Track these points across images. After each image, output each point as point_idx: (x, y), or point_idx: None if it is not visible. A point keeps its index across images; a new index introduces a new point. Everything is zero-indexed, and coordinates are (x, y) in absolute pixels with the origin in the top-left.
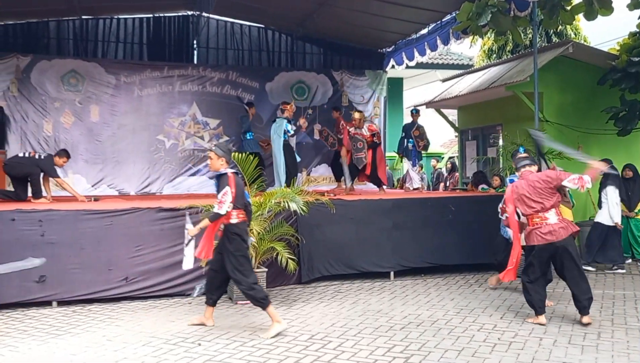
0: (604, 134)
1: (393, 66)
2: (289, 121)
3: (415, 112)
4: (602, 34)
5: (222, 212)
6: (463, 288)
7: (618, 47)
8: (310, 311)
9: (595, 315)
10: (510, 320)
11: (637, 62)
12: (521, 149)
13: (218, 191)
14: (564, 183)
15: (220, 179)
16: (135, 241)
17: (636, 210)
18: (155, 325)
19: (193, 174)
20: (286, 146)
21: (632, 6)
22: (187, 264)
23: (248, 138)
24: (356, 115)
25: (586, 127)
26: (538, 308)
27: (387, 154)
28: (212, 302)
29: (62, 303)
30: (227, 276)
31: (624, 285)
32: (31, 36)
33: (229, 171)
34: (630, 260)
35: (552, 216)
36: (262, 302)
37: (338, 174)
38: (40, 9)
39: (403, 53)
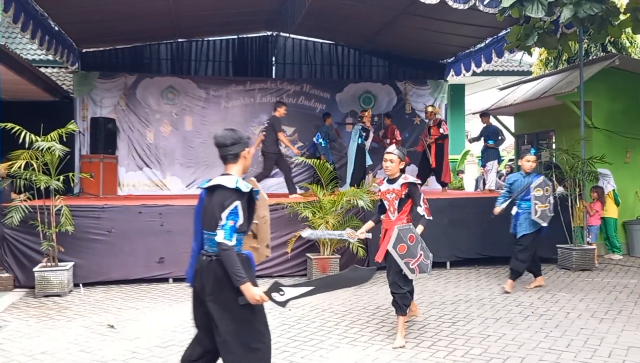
0: None
1: (452, 75)
2: (363, 129)
3: (484, 116)
4: None
5: (430, 218)
6: None
7: None
8: (377, 290)
9: (623, 297)
10: (546, 300)
11: None
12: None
13: (412, 197)
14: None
15: (414, 188)
16: None
17: None
18: None
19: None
20: (359, 150)
21: None
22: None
23: (323, 144)
24: (429, 108)
25: (635, 133)
26: None
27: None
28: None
29: (176, 280)
30: None
31: None
32: (136, 58)
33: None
34: None
35: None
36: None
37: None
38: (144, 35)
39: (462, 64)
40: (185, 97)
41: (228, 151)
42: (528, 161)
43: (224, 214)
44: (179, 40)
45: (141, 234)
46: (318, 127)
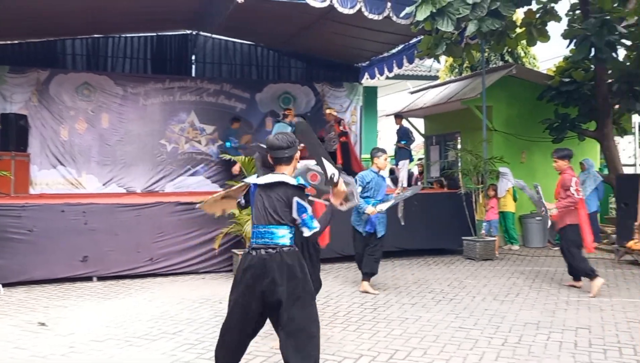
0: (545, 142)
1: (367, 78)
2: (291, 125)
3: (397, 117)
4: (554, 46)
5: None
6: (423, 266)
7: (554, 69)
8: None
9: (520, 282)
10: (454, 287)
11: (568, 83)
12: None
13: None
14: None
15: None
16: (158, 229)
17: None
18: (181, 292)
19: (192, 175)
20: None
21: (565, 35)
22: None
23: (227, 146)
24: (327, 111)
25: (529, 135)
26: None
27: (363, 156)
28: None
29: (100, 278)
30: None
31: (551, 263)
32: (50, 53)
33: None
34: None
35: None
36: None
37: None
38: (58, 30)
39: (375, 68)
40: (102, 94)
41: (284, 154)
42: (386, 160)
43: (295, 214)
44: (95, 35)
45: (64, 233)
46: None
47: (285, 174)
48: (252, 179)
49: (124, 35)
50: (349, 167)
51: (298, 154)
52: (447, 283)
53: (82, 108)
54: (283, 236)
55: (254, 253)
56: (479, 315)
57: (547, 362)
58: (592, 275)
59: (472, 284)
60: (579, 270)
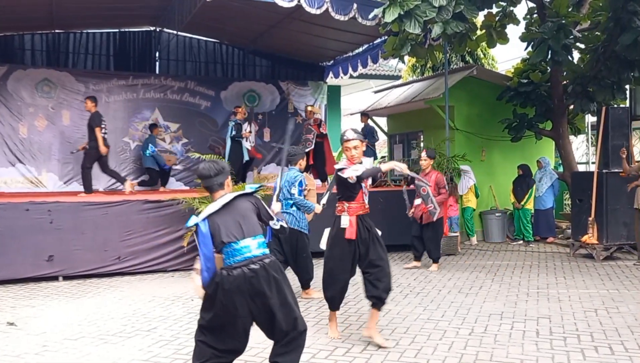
0: (503, 140)
1: (331, 77)
2: (235, 124)
3: (363, 115)
4: (512, 48)
5: None
6: None
7: (513, 70)
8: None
9: (482, 276)
10: (421, 281)
11: (525, 84)
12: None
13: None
14: None
15: None
16: (126, 227)
17: (523, 202)
18: (152, 290)
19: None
20: (234, 145)
21: (523, 38)
22: None
23: (146, 154)
24: (309, 108)
25: (488, 134)
26: None
27: None
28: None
29: (66, 278)
30: None
31: (511, 257)
32: (8, 48)
33: None
34: (521, 241)
35: None
36: None
37: None
38: (17, 24)
39: (340, 67)
40: (63, 90)
41: (214, 182)
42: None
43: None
44: (56, 31)
45: (29, 232)
46: (202, 123)
47: (232, 193)
48: (199, 217)
49: (85, 31)
50: (323, 168)
51: (229, 179)
52: (414, 277)
53: (42, 105)
54: (261, 245)
55: (234, 272)
56: (445, 307)
57: (512, 350)
58: (438, 260)
59: (438, 278)
60: (437, 253)
